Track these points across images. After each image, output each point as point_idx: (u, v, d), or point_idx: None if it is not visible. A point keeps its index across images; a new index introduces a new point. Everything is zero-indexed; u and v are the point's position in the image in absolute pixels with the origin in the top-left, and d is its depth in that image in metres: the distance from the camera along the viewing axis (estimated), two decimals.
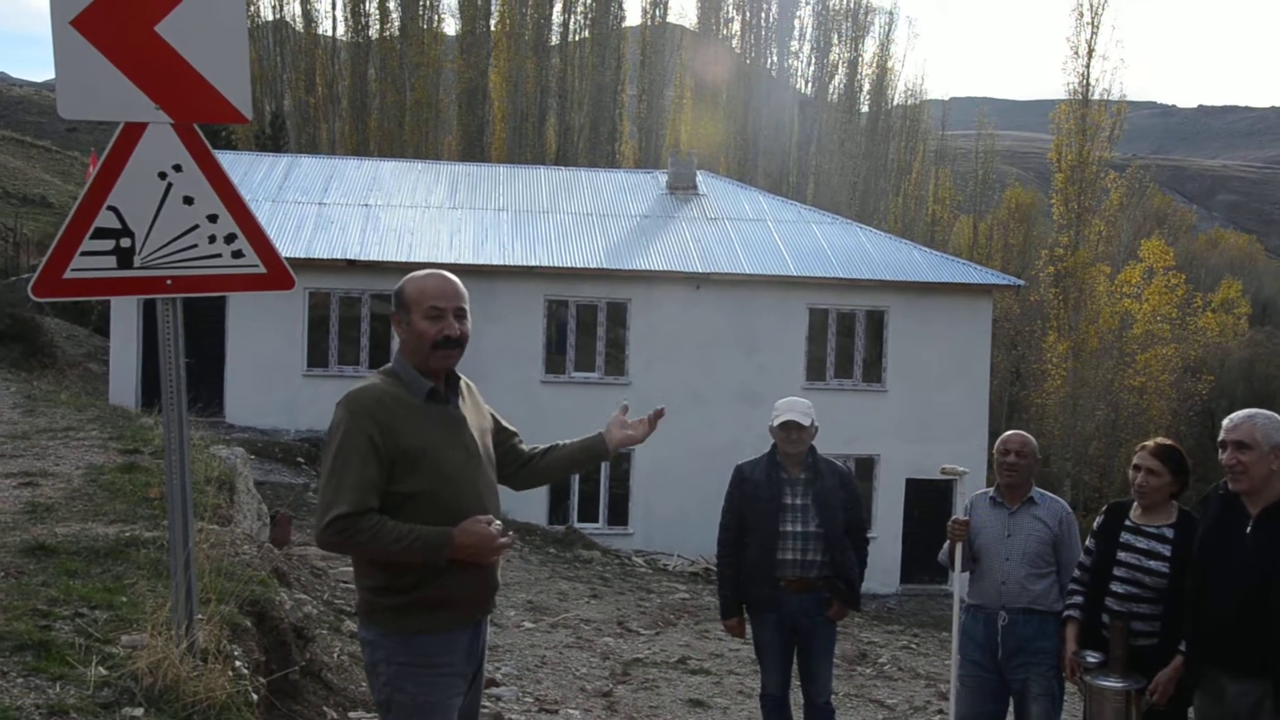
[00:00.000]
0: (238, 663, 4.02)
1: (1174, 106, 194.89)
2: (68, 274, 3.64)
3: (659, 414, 3.81)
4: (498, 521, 3.36)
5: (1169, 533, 4.76)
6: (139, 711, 3.36)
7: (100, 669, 3.54)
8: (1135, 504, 4.91)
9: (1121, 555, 4.83)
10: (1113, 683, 4.65)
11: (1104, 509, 5.12)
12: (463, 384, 3.56)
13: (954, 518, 5.55)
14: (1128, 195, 42.57)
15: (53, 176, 47.55)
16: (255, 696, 4.02)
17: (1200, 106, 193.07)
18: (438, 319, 3.34)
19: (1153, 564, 4.73)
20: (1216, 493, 4.45)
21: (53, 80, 3.58)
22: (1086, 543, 5.12)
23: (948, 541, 5.56)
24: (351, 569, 3.57)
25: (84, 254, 3.64)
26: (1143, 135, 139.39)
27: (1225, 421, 4.34)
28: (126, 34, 3.58)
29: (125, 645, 3.77)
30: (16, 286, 24.86)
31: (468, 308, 3.45)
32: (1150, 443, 4.96)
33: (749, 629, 5.91)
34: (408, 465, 3.26)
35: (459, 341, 3.39)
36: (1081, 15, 38.51)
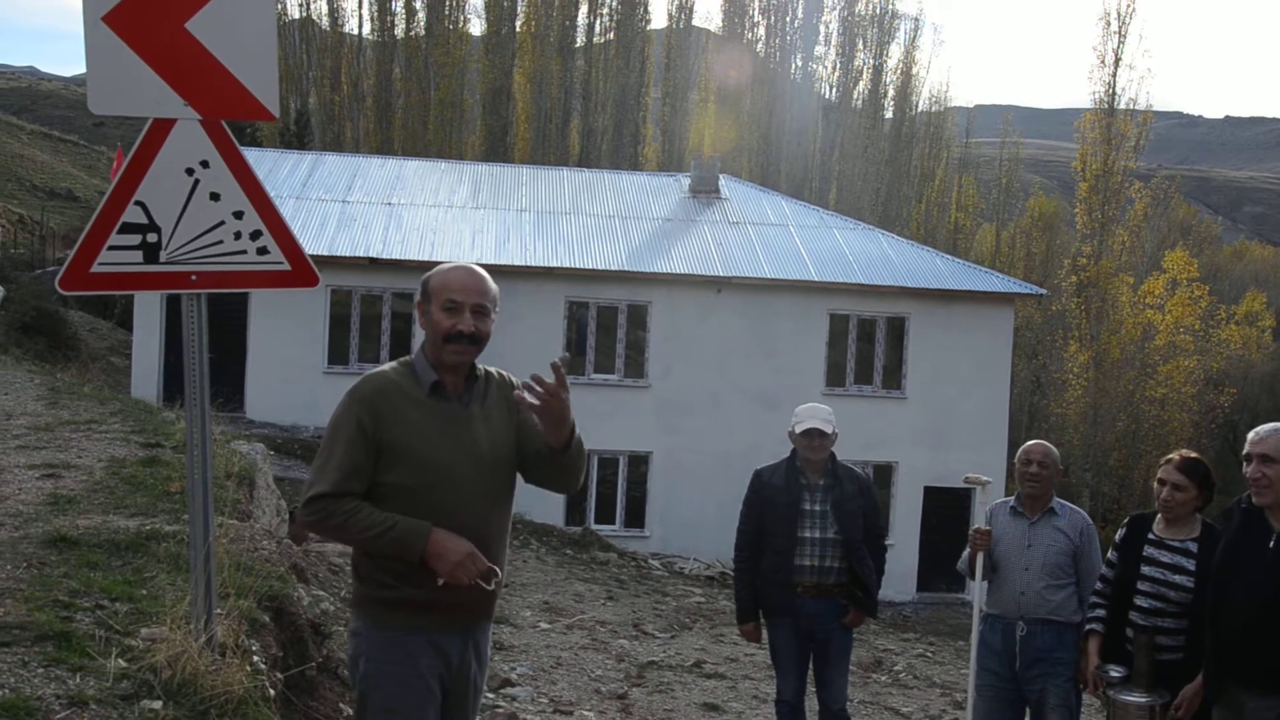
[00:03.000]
0: (255, 658, 4.03)
1: (1200, 117, 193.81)
2: (95, 267, 3.66)
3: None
4: (490, 565, 3.19)
5: (1193, 546, 4.72)
6: (157, 704, 3.37)
7: (120, 661, 3.55)
8: (1158, 517, 4.88)
9: (1145, 569, 4.78)
10: (1137, 698, 4.61)
11: (1126, 521, 5.08)
12: (494, 383, 3.42)
13: (976, 527, 5.52)
14: (1152, 206, 42.23)
15: (80, 171, 47.94)
16: (272, 692, 4.03)
17: (1227, 117, 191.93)
18: (453, 313, 3.25)
19: (1177, 578, 4.69)
20: (1239, 506, 4.41)
21: (82, 75, 3.62)
22: (1109, 555, 5.08)
23: (967, 550, 5.53)
24: None
25: (111, 248, 3.66)
26: (1168, 145, 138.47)
27: (1251, 434, 4.29)
28: (157, 30, 3.60)
29: (144, 638, 3.78)
30: (43, 279, 25.06)
31: (490, 305, 3.31)
32: (1175, 455, 4.90)
33: (765, 634, 5.90)
34: (394, 457, 3.20)
35: (473, 338, 3.26)
36: (1109, 24, 38.27)
